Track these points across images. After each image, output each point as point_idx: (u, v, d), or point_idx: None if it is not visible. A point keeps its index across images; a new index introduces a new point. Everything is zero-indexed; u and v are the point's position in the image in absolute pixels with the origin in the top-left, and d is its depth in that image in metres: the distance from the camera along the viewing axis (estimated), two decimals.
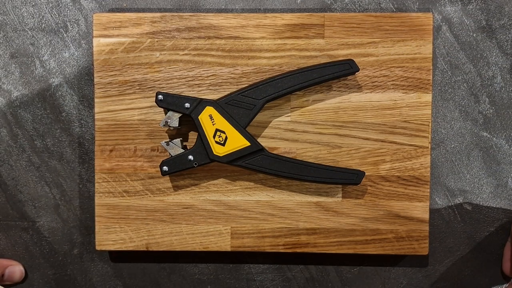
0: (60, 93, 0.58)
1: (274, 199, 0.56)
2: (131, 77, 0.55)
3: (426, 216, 0.55)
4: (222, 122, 0.53)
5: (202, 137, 0.53)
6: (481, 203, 0.58)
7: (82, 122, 0.58)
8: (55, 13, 0.58)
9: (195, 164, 0.53)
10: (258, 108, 0.53)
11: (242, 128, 0.53)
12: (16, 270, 0.58)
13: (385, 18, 0.54)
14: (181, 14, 0.55)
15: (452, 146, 0.57)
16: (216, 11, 0.58)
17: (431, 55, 0.54)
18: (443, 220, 0.58)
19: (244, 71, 0.55)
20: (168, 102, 0.53)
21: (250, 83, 0.55)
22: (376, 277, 0.58)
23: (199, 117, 0.53)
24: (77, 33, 0.58)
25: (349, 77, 0.55)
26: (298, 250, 0.56)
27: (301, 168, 0.53)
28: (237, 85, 0.55)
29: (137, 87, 0.55)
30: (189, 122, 0.55)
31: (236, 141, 0.53)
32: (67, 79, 0.58)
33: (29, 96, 0.58)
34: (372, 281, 0.58)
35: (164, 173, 0.54)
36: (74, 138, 0.58)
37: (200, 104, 0.53)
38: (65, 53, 0.58)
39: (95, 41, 0.55)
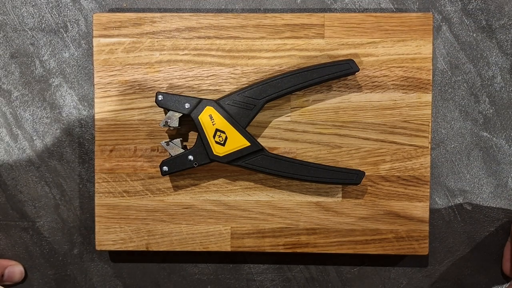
0: (60, 93, 0.58)
1: (274, 199, 0.56)
2: (131, 77, 0.55)
3: (426, 216, 0.55)
4: (222, 122, 0.53)
5: (202, 137, 0.53)
6: (481, 203, 0.58)
7: (82, 122, 0.58)
8: (55, 13, 0.58)
9: (195, 164, 0.53)
10: (258, 108, 0.53)
11: (242, 128, 0.53)
12: (15, 270, 0.58)
13: (385, 18, 0.54)
14: (181, 14, 0.55)
15: (452, 146, 0.57)
16: (216, 11, 0.58)
17: (431, 55, 0.54)
18: (443, 220, 0.58)
19: (244, 71, 0.55)
20: (168, 102, 0.53)
21: (250, 83, 0.55)
22: (376, 277, 0.58)
23: (199, 117, 0.53)
24: (77, 33, 0.58)
25: (349, 77, 0.55)
26: (298, 250, 0.56)
27: (301, 168, 0.53)
28: (237, 85, 0.55)
29: (137, 87, 0.55)
30: (189, 122, 0.55)
31: (236, 141, 0.53)
32: (67, 79, 0.58)
33: (29, 96, 0.58)
34: (372, 281, 0.58)
35: (164, 173, 0.54)
36: (74, 138, 0.58)
37: (200, 104, 0.53)
38: (65, 53, 0.58)
39: (95, 41, 0.55)
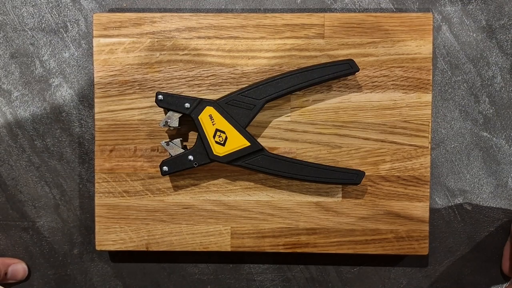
0: (60, 93, 0.58)
1: (274, 199, 0.56)
2: (131, 77, 0.55)
3: (426, 216, 0.55)
4: (222, 122, 0.53)
5: (202, 137, 0.53)
6: (481, 203, 0.58)
7: (82, 122, 0.58)
8: (55, 13, 0.58)
9: (195, 164, 0.53)
10: (258, 108, 0.53)
11: (242, 128, 0.53)
12: (19, 268, 0.58)
13: (385, 18, 0.54)
14: (181, 14, 0.55)
15: (452, 146, 0.57)
16: (216, 11, 0.58)
17: (431, 55, 0.54)
18: (443, 220, 0.58)
19: (244, 71, 0.55)
20: (168, 102, 0.53)
21: (250, 83, 0.55)
22: (376, 277, 0.58)
23: (199, 117, 0.53)
24: (77, 33, 0.58)
25: (349, 77, 0.55)
26: (298, 250, 0.56)
27: (301, 168, 0.53)
28: (237, 85, 0.55)
29: (137, 87, 0.55)
30: (189, 122, 0.55)
31: (236, 141, 0.53)
32: (67, 79, 0.58)
33: (29, 96, 0.58)
34: (372, 281, 0.58)
35: (164, 173, 0.54)
36: (74, 138, 0.58)
37: (200, 104, 0.53)
38: (65, 53, 0.58)
39: (95, 41, 0.55)
